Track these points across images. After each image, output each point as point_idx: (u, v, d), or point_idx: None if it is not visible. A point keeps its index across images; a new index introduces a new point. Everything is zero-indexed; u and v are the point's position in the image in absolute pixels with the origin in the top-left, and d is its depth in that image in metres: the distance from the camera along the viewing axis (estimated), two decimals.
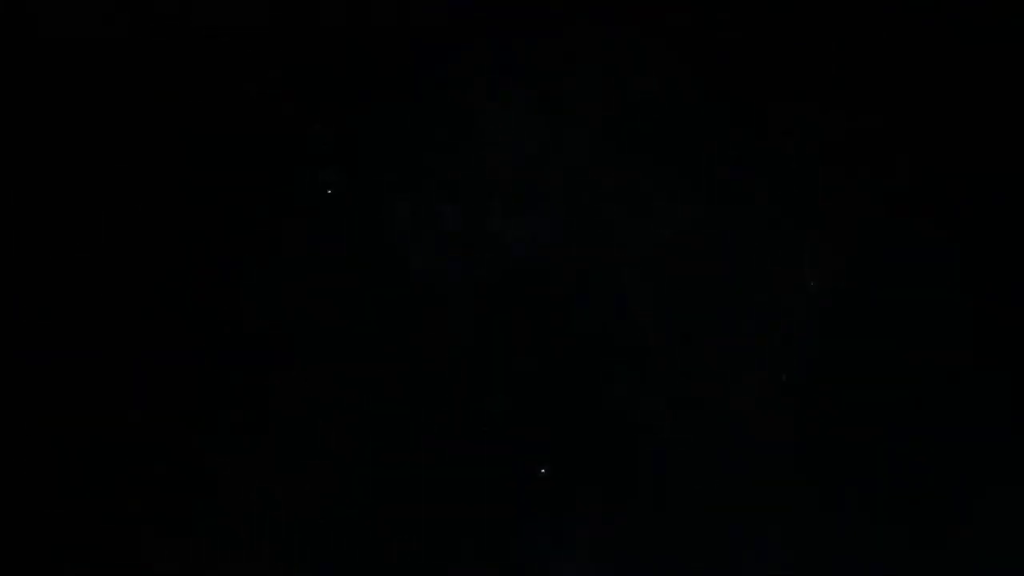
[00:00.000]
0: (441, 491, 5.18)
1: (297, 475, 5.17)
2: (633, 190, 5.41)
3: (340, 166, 5.37)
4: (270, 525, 5.15)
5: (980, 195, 5.42)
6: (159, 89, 5.36)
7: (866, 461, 5.22)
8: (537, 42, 5.43)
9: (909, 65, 5.48)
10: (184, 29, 5.39)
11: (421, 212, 5.37)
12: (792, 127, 5.41)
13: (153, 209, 5.31)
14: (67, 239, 5.27)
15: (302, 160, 5.37)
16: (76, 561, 5.09)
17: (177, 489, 5.15)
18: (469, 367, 5.28)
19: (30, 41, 5.34)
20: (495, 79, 5.43)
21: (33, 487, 5.13)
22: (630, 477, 5.24)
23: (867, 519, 5.18)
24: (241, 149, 5.34)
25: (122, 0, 5.38)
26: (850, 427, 5.25)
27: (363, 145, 5.41)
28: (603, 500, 5.22)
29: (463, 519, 5.18)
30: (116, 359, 5.21)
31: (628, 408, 5.27)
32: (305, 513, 5.15)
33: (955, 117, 5.45)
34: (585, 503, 5.22)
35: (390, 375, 5.25)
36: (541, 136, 5.44)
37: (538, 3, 5.45)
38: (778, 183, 5.43)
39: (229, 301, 5.28)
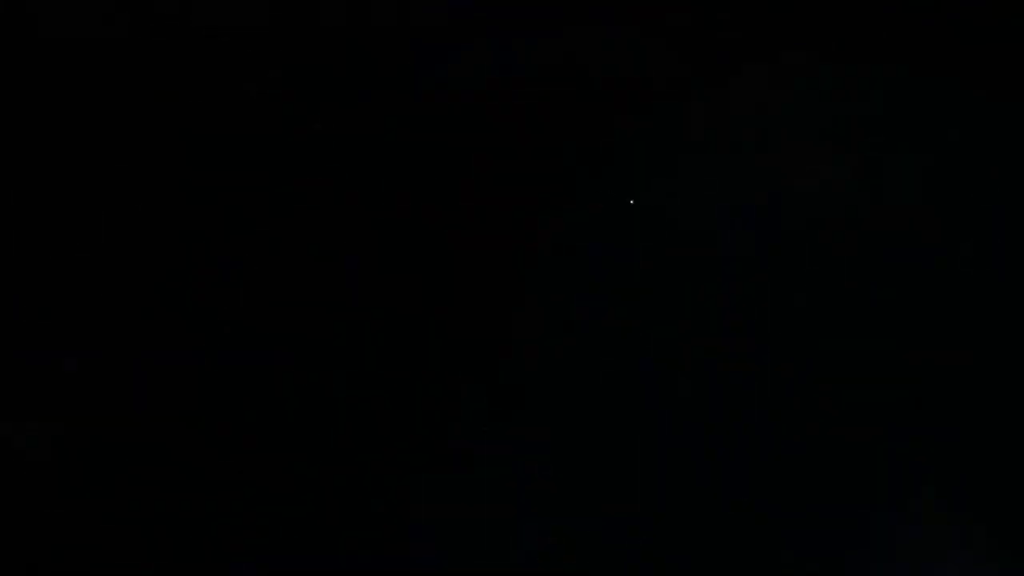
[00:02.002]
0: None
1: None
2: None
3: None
4: (276, 524, 5.15)
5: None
6: (159, 89, 5.38)
7: (866, 461, 5.21)
8: (537, 42, 5.44)
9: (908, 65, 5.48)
10: (184, 29, 5.41)
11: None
12: None
13: (153, 209, 5.32)
14: (67, 239, 5.28)
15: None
16: (76, 561, 5.09)
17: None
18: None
19: (30, 41, 5.36)
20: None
21: (33, 487, 5.13)
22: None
23: (868, 519, 5.17)
24: (241, 149, 5.36)
25: (122, 0, 5.41)
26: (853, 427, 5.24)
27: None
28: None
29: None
30: (129, 359, 5.22)
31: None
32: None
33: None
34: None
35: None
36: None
37: (538, 3, 5.46)
38: None
39: (228, 303, 5.29)
